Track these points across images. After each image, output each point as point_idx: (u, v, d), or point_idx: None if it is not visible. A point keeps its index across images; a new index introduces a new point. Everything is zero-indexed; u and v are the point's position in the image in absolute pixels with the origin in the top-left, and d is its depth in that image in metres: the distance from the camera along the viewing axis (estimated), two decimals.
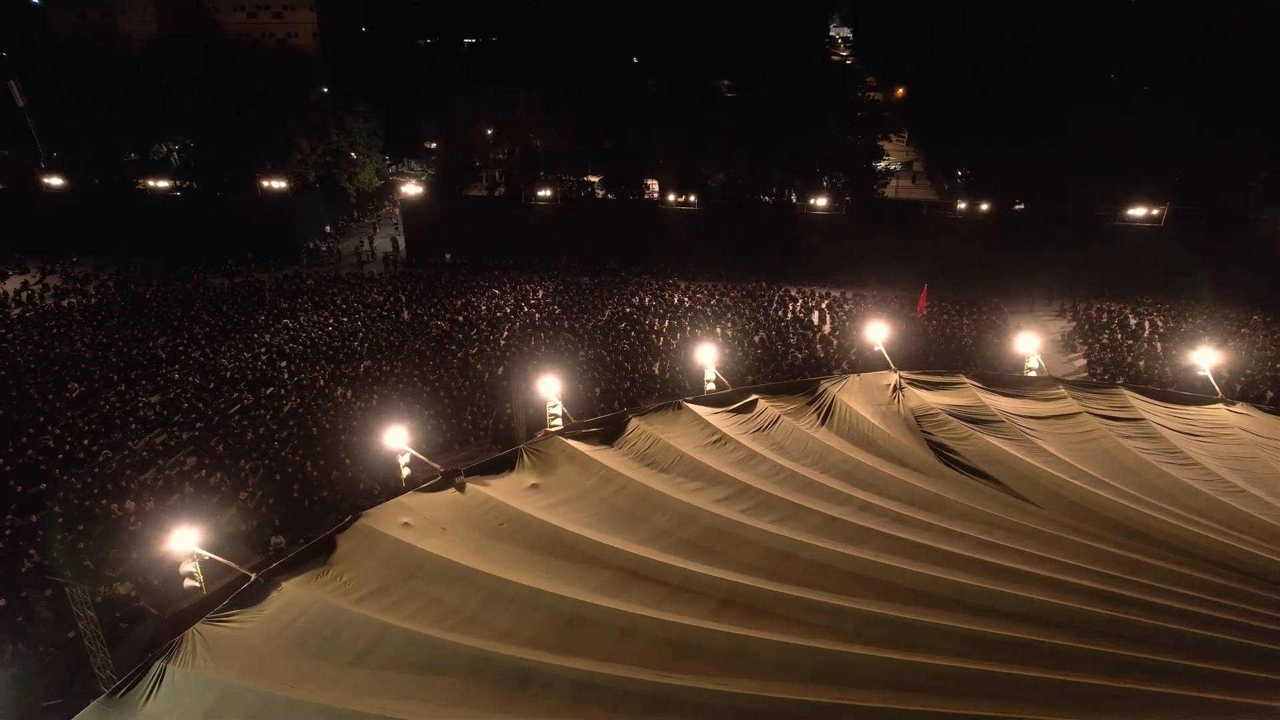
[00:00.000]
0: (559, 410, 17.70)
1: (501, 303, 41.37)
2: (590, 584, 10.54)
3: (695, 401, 17.33)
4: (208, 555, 12.76)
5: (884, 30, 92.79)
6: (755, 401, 17.09)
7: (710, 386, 19.35)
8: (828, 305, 40.10)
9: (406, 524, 13.16)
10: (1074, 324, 37.09)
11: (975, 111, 47.71)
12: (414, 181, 52.54)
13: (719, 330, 36.23)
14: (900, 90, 76.40)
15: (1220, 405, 16.53)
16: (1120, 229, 41.64)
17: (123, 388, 30.62)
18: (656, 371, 32.34)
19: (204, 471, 24.32)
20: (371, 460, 25.10)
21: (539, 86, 52.17)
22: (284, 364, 32.77)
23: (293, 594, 11.58)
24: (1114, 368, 30.53)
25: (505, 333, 36.65)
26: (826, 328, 37.38)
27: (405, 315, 39.18)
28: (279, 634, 10.82)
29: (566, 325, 37.30)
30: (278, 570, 12.23)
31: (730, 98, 67.79)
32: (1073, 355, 33.67)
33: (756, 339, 35.32)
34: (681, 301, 41.13)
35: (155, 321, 38.17)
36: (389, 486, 23.81)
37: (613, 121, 52.36)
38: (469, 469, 15.01)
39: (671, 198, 48.03)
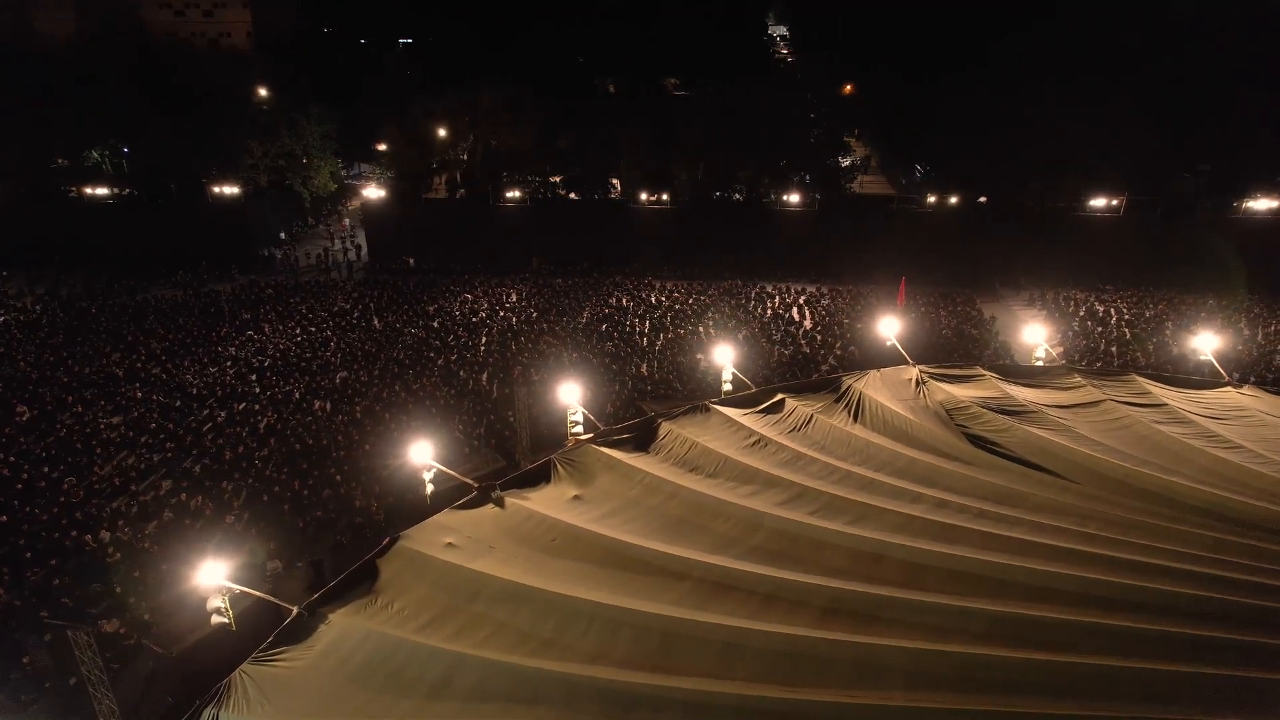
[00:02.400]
0: (579, 418, 17.13)
1: (476, 307, 40.31)
2: (670, 597, 10.09)
3: (722, 403, 17.03)
4: (238, 589, 11.80)
5: (820, 28, 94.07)
6: (783, 401, 16.87)
7: (727, 387, 19.05)
8: (805, 301, 40.36)
9: (451, 544, 12.45)
10: (1044, 313, 38.20)
11: (930, 109, 48.74)
12: (374, 184, 50.77)
13: (702, 329, 36.08)
14: (848, 87, 77.77)
15: (1229, 388, 17.08)
16: (1081, 220, 43.14)
17: (79, 409, 28.59)
18: (645, 373, 31.92)
19: (183, 495, 22.82)
20: (364, 475, 24.07)
21: (501, 86, 51.10)
22: (254, 377, 31.16)
23: (343, 626, 10.78)
24: (1089, 355, 31.51)
25: (484, 338, 35.70)
26: (808, 323, 37.57)
27: (377, 323, 37.80)
28: (337, 670, 10.04)
29: (546, 329, 36.56)
30: (320, 601, 11.40)
31: (685, 96, 68.01)
32: (1030, 344, 34.52)
33: (740, 337, 35.23)
34: (660, 301, 40.80)
35: (106, 337, 35.82)
36: (386, 503, 22.92)
37: (577, 120, 51.78)
38: (503, 483, 14.39)
39: (644, 196, 47.61)
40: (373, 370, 31.68)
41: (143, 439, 26.42)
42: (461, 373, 31.60)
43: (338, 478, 23.66)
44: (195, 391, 29.92)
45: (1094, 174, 42.80)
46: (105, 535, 21.15)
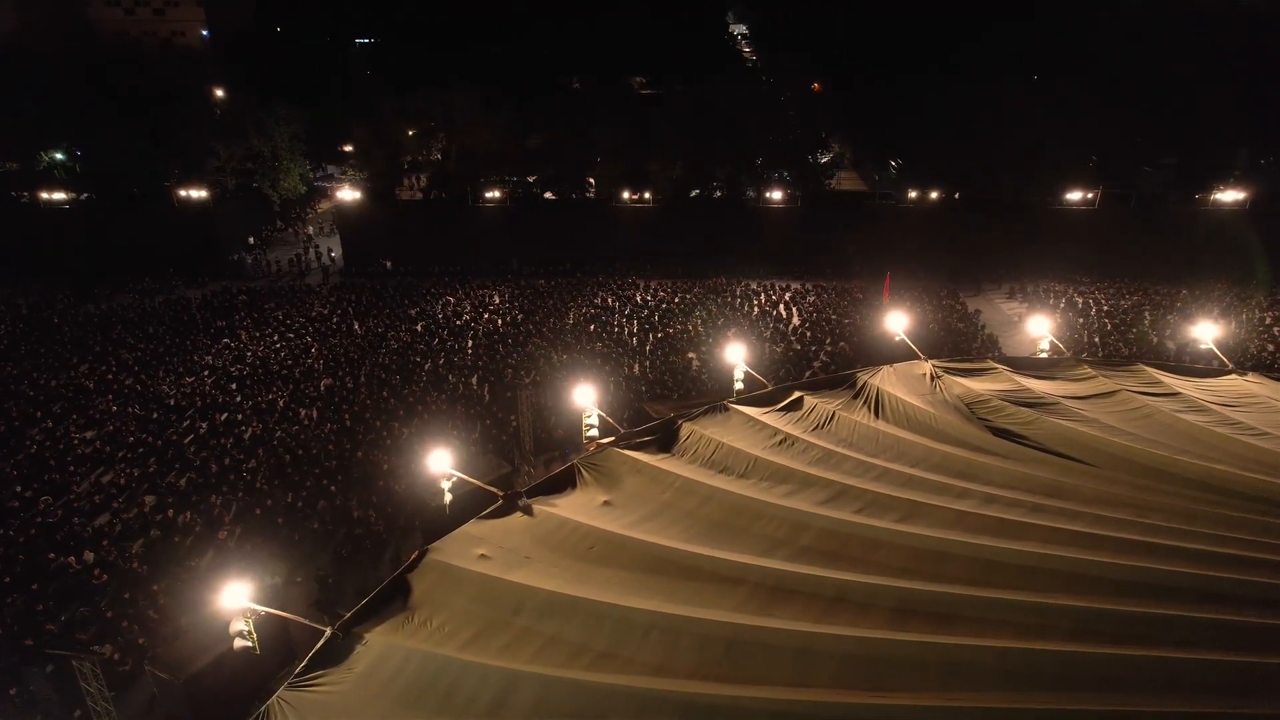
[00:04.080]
0: (595, 421, 16.74)
1: (459, 309, 39.57)
2: (728, 604, 9.78)
3: (740, 402, 16.78)
4: (263, 610, 11.20)
5: (778, 26, 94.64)
6: (801, 399, 16.67)
7: (739, 386, 18.83)
8: (791, 297, 40.44)
9: (484, 555, 11.97)
10: (1025, 305, 38.85)
11: (901, 106, 49.20)
12: (348, 186, 49.53)
13: (690, 327, 35.90)
14: (816, 85, 78.36)
15: (1234, 375, 17.38)
16: (1058, 213, 43.98)
17: (49, 424, 27.27)
18: (636, 372, 31.62)
19: (169, 512, 21.84)
20: (359, 485, 23.34)
21: (473, 84, 50.26)
22: (234, 386, 30.07)
23: (382, 646, 10.26)
24: (1073, 347, 32.05)
25: (470, 341, 35.02)
26: (796, 320, 37.62)
27: (358, 328, 36.83)
28: (382, 693, 9.53)
29: (533, 330, 36.01)
30: (353, 621, 10.86)
31: (654, 95, 67.77)
32: (1034, 336, 35.05)
33: (730, 334, 35.11)
34: (645, 300, 40.52)
35: (71, 348, 34.30)
36: (386, 513, 22.26)
37: (548, 120, 51.13)
38: (528, 490, 13.95)
39: (626, 195, 47.25)
40: (358, 376, 30.82)
41: (120, 453, 25.28)
42: (450, 377, 30.93)
43: (332, 489, 22.89)
44: (173, 402, 28.75)
45: (1062, 167, 43.66)
46: (89, 556, 20.12)
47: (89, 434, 26.84)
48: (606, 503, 13.43)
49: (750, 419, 15.83)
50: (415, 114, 50.57)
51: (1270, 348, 31.28)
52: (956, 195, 46.59)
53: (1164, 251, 41.43)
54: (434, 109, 49.90)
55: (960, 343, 33.22)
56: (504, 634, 10.24)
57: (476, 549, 12.20)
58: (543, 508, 13.29)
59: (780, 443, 14.71)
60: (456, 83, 49.88)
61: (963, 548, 9.70)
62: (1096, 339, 32.61)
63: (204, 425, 27.07)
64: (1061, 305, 37.62)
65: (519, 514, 13.20)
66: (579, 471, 14.40)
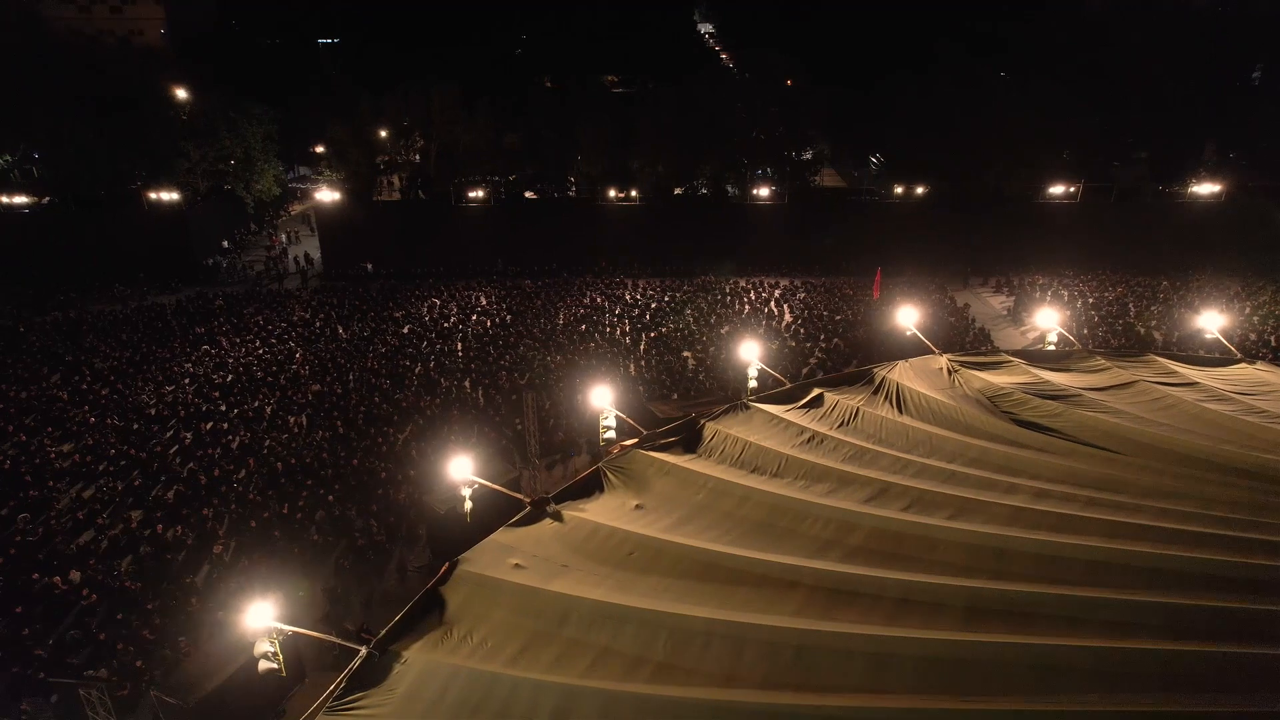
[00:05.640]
0: (612, 422, 16.32)
1: (445, 311, 38.79)
2: (788, 608, 9.44)
3: (761, 400, 16.48)
4: (289, 629, 10.61)
5: (744, 25, 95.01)
6: (821, 395, 16.42)
7: (753, 384, 18.55)
8: (780, 295, 40.36)
9: (518, 565, 11.47)
10: (1013, 298, 39.23)
11: (880, 104, 49.39)
12: (326, 187, 48.30)
13: (682, 326, 35.59)
14: (789, 80, 78.53)
15: (1244, 364, 17.53)
16: (1040, 207, 44.54)
17: (22, 437, 26.00)
18: (633, 372, 31.23)
19: (158, 527, 20.90)
20: (358, 494, 22.61)
21: (451, 83, 49.36)
22: (217, 394, 29.02)
23: (423, 664, 9.73)
24: (1062, 339, 32.33)
25: (460, 344, 34.32)
26: (787, 317, 37.53)
27: (342, 332, 35.88)
28: (430, 714, 9.01)
29: (524, 331, 35.39)
30: (388, 639, 10.32)
31: (628, 94, 67.41)
32: (1024, 328, 35.53)
33: (724, 331, 34.94)
34: (635, 299, 40.11)
35: (41, 358, 32.86)
36: (388, 522, 21.57)
37: (525, 118, 50.43)
38: (555, 495, 13.49)
39: (613, 193, 46.79)
40: (347, 382, 29.98)
41: (101, 466, 24.20)
42: (443, 380, 30.23)
43: (330, 498, 22.13)
44: (154, 412, 27.64)
45: (1037, 161, 44.18)
46: (75, 575, 19.15)
47: (66, 447, 25.68)
48: (638, 506, 13.01)
49: (773, 417, 15.52)
50: (393, 112, 49.54)
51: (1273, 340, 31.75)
52: (933, 190, 46.90)
53: (1143, 243, 42.19)
54: (411, 107, 48.90)
55: (953, 337, 33.35)
56: (552, 647, 9.78)
57: (509, 558, 11.70)
58: (572, 513, 12.83)
59: (808, 440, 14.42)
60: (434, 80, 48.96)
61: (1025, 544, 9.48)
62: (1085, 330, 32.99)
63: (188, 435, 26.06)
64: (1048, 298, 38.04)
65: (548, 520, 12.72)
66: (604, 475, 13.96)
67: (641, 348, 33.66)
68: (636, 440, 15.22)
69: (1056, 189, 44.04)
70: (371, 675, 9.76)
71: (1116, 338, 32.39)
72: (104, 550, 20.34)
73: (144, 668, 16.11)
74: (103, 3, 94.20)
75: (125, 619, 17.62)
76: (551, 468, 25.14)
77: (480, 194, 47.40)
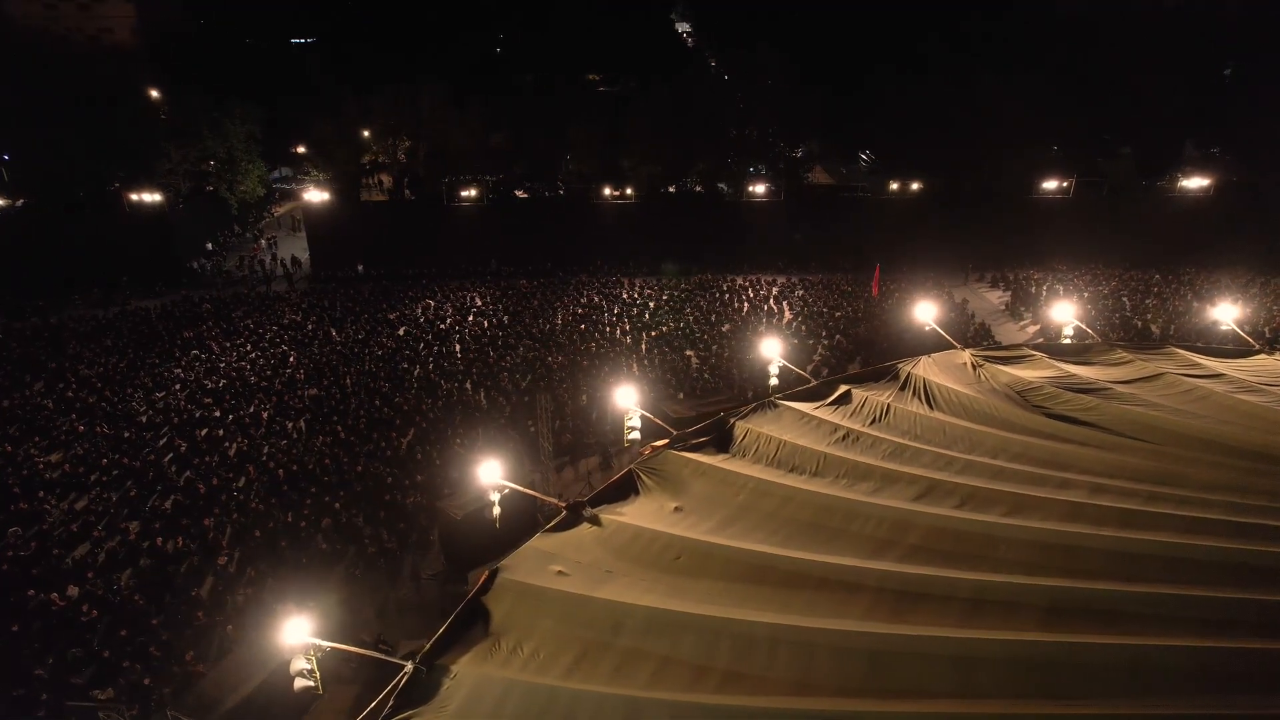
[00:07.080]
0: (637, 423, 15.95)
1: (440, 313, 38.13)
2: (854, 612, 9.13)
3: (788, 398, 16.20)
4: (328, 645, 10.11)
5: (720, 24, 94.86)
6: (849, 392, 16.18)
7: (774, 382, 18.28)
8: (778, 292, 40.20)
9: (561, 572, 11.06)
10: (1009, 294, 39.40)
11: (869, 101, 49.42)
12: (313, 187, 47.32)
13: (684, 325, 35.28)
14: (767, 80, 78.37)
15: (1262, 355, 17.57)
16: (1033, 202, 44.80)
17: (8, 448, 25.04)
18: (636, 372, 30.84)
19: (158, 539, 20.16)
20: (364, 500, 21.98)
21: (441, 81, 48.65)
22: (210, 400, 28.19)
23: (474, 679, 9.28)
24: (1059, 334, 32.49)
25: (457, 345, 33.71)
26: (787, 315, 37.37)
27: (336, 335, 35.11)
28: None
29: (523, 332, 34.87)
30: (433, 653, 9.86)
31: (610, 92, 66.96)
32: (1023, 323, 35.67)
33: (724, 329, 34.68)
34: (633, 298, 39.73)
35: (21, 365, 31.75)
36: (398, 528, 21.00)
37: (512, 117, 49.82)
38: (590, 498, 13.10)
39: (607, 192, 46.34)
40: (345, 385, 29.29)
41: (94, 476, 23.35)
42: (443, 383, 29.64)
43: (335, 505, 21.51)
44: (145, 420, 26.78)
45: (1025, 156, 44.44)
46: (73, 591, 18.38)
47: (54, 457, 24.76)
48: (678, 509, 12.65)
49: (804, 415, 15.24)
50: (380, 111, 48.69)
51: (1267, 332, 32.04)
52: (931, 188, 47.04)
53: (1135, 237, 42.60)
54: (400, 106, 48.08)
55: (953, 333, 33.28)
56: (609, 657, 9.38)
57: (551, 565, 11.29)
58: (610, 517, 12.45)
59: (843, 438, 14.15)
60: (423, 79, 48.21)
61: (1093, 540, 9.26)
62: (1084, 324, 33.08)
63: (183, 443, 25.22)
64: (1044, 293, 38.26)
65: (586, 525, 12.33)
66: (638, 477, 13.58)
67: (643, 347, 33.29)
68: (666, 441, 14.87)
69: (1049, 184, 44.34)
70: (420, 692, 9.30)
71: (1115, 331, 32.58)
72: (102, 563, 19.59)
73: (152, 685, 15.45)
74: (70, 1, 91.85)
75: (129, 635, 16.93)
76: (560, 470, 24.69)
77: (473, 193, 46.68)
